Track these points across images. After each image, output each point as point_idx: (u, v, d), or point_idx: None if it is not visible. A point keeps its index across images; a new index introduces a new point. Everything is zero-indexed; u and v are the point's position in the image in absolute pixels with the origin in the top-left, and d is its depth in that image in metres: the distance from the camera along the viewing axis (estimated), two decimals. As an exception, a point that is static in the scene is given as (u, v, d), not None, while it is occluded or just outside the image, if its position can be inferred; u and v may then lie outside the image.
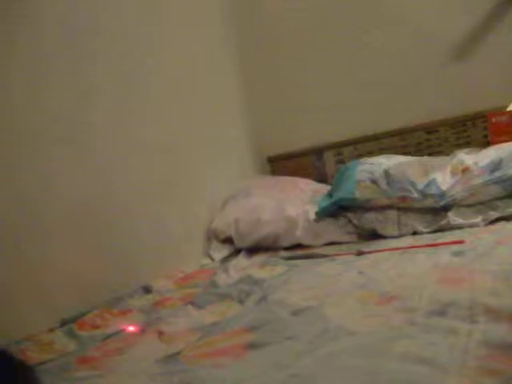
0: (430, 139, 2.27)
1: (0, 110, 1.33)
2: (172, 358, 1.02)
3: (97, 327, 1.27)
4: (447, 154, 2.01)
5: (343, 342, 0.91)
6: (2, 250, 1.27)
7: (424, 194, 1.71)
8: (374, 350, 0.85)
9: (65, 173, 1.49)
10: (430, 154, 2.16)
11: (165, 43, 2.00)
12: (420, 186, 1.73)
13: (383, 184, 1.78)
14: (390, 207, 1.76)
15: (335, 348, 0.89)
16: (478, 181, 1.67)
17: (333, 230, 1.85)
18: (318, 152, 2.50)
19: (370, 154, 2.25)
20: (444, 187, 1.70)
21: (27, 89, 1.41)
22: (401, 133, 2.31)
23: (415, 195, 1.72)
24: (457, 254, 1.34)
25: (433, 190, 1.70)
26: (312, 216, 1.89)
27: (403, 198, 1.74)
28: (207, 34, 2.32)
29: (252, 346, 0.98)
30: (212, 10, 2.42)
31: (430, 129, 2.27)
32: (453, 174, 1.75)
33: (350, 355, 0.86)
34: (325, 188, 2.19)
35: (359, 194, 1.80)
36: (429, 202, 1.71)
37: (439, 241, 1.51)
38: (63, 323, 1.29)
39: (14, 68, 1.38)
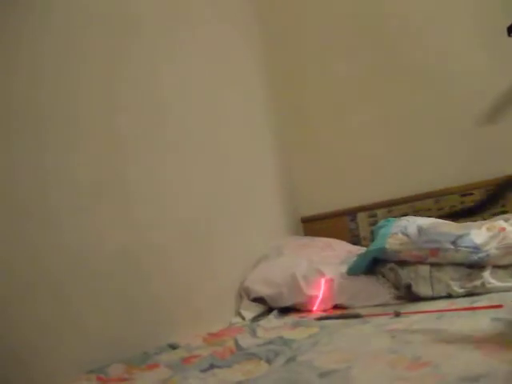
0: (464, 202, 2.25)
1: (41, 168, 1.44)
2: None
3: (123, 380, 1.27)
4: (483, 218, 1.97)
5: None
6: (42, 297, 1.32)
7: (457, 246, 1.67)
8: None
9: (109, 226, 1.57)
10: (464, 217, 2.12)
11: (202, 104, 2.10)
12: (453, 238, 1.70)
13: (414, 236, 1.77)
14: (421, 263, 1.73)
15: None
16: None
17: (368, 290, 1.82)
18: (352, 213, 2.50)
19: (404, 216, 2.23)
20: (478, 241, 1.67)
21: (69, 147, 1.53)
22: (435, 195, 2.30)
23: (447, 246, 1.68)
24: (495, 319, 1.29)
25: (466, 243, 1.67)
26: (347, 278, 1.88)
27: (435, 251, 1.70)
28: (244, 95, 2.43)
29: (276, 405, 0.96)
30: (252, 73, 2.55)
31: (464, 191, 2.25)
32: (489, 230, 1.72)
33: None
34: (358, 249, 2.18)
35: (389, 245, 1.78)
36: (462, 255, 1.66)
37: (476, 304, 1.46)
38: (90, 373, 1.29)
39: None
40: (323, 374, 1.11)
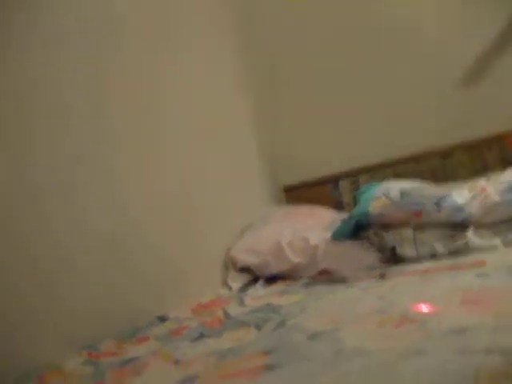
0: (445, 164, 2.26)
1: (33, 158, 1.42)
2: (189, 380, 1.02)
3: (114, 354, 1.27)
4: (464, 180, 1.99)
5: (358, 362, 0.90)
6: (29, 277, 1.32)
7: (439, 207, 1.69)
8: (387, 369, 0.84)
9: (93, 207, 1.57)
10: (446, 179, 2.15)
11: (181, 87, 2.06)
12: (435, 199, 1.71)
13: (397, 199, 1.77)
14: (405, 225, 1.74)
15: (349, 368, 0.88)
16: (496, 199, 1.65)
17: (353, 254, 1.83)
18: (334, 181, 2.51)
19: (386, 180, 2.24)
20: (461, 201, 1.68)
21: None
22: (416, 158, 2.31)
23: (430, 207, 1.69)
24: (480, 275, 1.31)
25: (448, 203, 1.68)
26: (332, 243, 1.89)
27: (418, 213, 1.71)
28: (220, 70, 2.39)
29: (267, 367, 0.98)
30: (226, 52, 2.49)
31: (445, 154, 2.26)
32: (470, 190, 1.74)
33: (364, 375, 0.84)
34: (342, 216, 2.18)
35: (372, 209, 1.79)
36: (444, 215, 1.67)
37: (460, 263, 1.49)
38: (82, 350, 1.29)
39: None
40: (312, 336, 1.14)
